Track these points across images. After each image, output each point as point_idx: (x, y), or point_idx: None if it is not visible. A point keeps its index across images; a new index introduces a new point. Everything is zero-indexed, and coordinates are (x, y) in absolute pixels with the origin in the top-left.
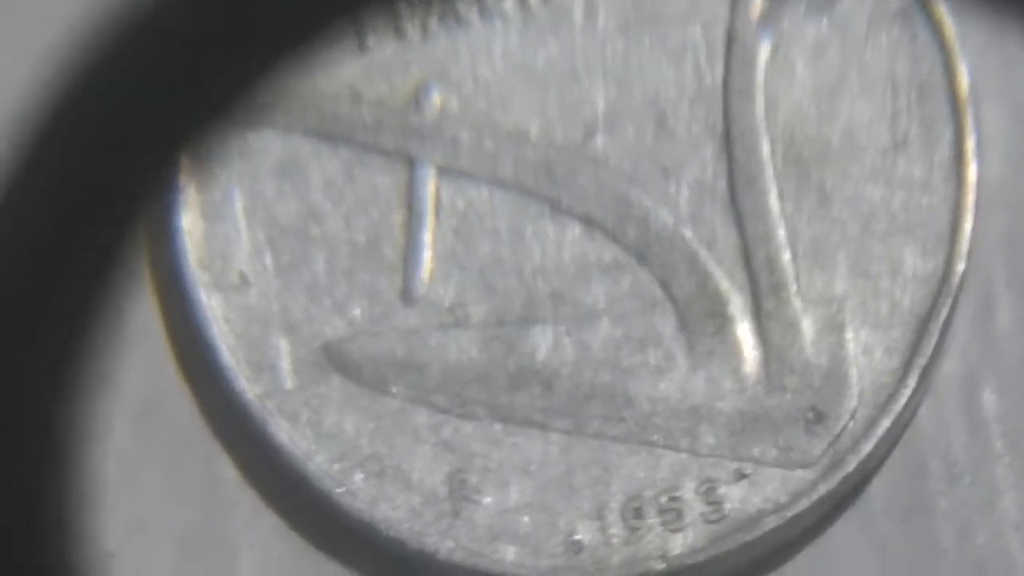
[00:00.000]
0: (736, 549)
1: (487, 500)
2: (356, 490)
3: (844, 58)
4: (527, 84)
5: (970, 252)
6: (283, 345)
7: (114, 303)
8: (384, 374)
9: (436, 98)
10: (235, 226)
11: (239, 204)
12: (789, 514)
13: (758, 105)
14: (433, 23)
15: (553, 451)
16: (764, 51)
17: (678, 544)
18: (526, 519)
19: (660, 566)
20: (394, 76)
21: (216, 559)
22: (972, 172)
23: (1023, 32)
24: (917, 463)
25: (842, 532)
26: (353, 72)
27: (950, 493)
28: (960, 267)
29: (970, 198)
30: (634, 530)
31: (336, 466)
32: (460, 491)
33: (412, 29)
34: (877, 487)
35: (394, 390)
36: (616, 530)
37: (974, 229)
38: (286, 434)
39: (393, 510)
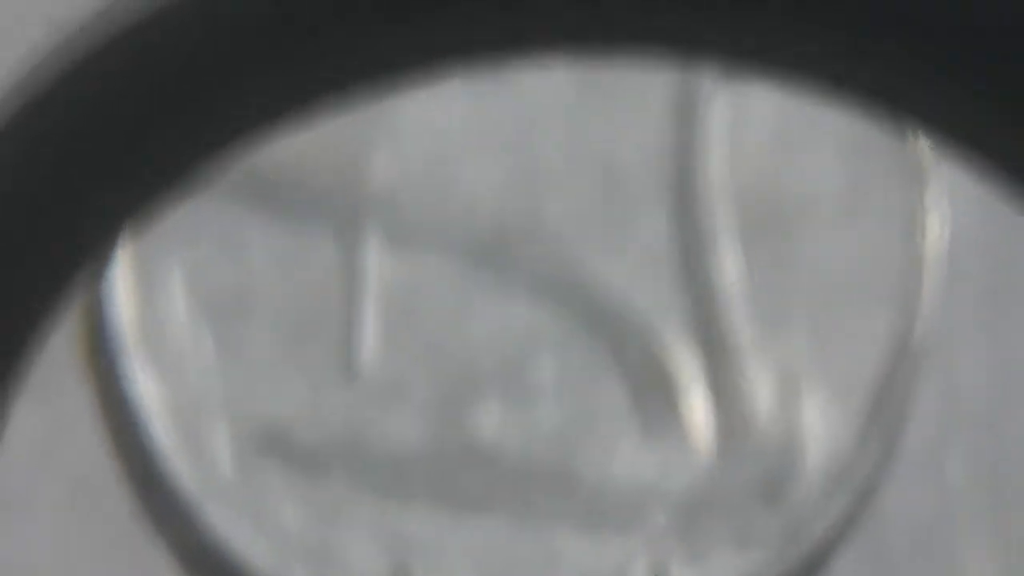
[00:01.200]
0: None
1: None
2: None
3: (801, 123)
4: (472, 144)
5: (932, 316)
6: (221, 428)
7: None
8: (325, 458)
9: (378, 161)
10: (173, 301)
11: (177, 278)
12: None
13: (712, 170)
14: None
15: (499, 536)
16: (719, 106)
17: None
18: None
19: None
20: (333, 139)
21: None
22: (932, 237)
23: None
24: (879, 539)
25: None
26: (296, 141)
27: (916, 568)
28: (921, 332)
29: (930, 262)
30: None
31: (275, 557)
32: None
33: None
34: (837, 566)
35: (336, 475)
36: None
37: (935, 294)
38: (224, 523)
39: None
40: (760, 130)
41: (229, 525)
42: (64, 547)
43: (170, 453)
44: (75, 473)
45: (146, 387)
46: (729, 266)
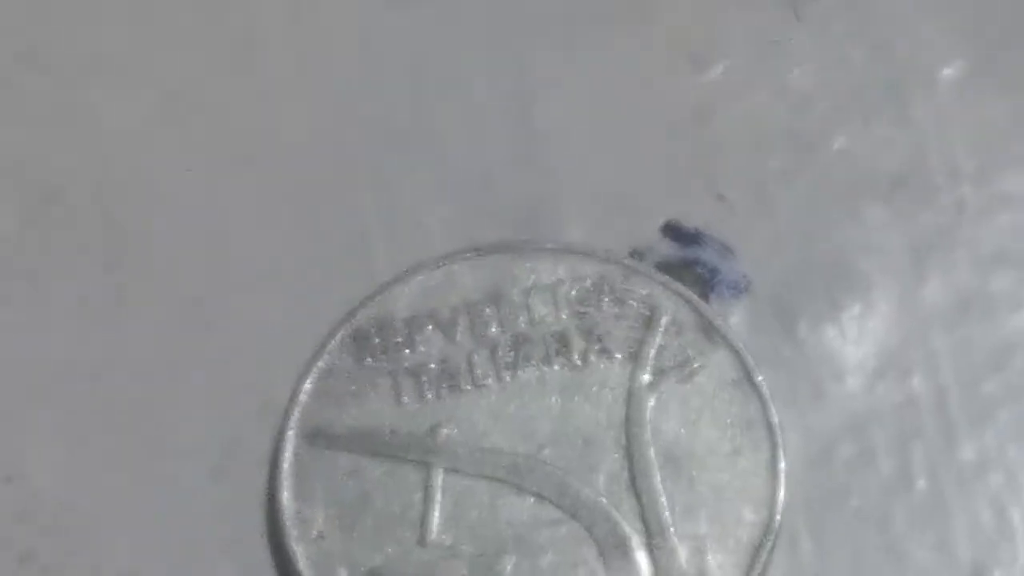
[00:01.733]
0: None
1: None
2: None
3: (701, 404)
4: (501, 422)
5: (782, 510)
6: (343, 572)
7: None
8: None
9: (444, 431)
10: (316, 505)
11: (319, 493)
12: None
13: (647, 431)
14: (443, 390)
15: None
16: (651, 401)
17: None
18: None
19: None
20: (418, 419)
21: None
22: (781, 466)
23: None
24: None
25: None
26: (393, 417)
27: None
28: (777, 519)
29: (780, 480)
30: None
31: None
32: None
33: (430, 394)
34: None
35: None
36: None
37: (783, 497)
38: None
39: None
40: (677, 412)
41: None
42: None
43: None
44: None
45: (298, 551)
46: (658, 482)
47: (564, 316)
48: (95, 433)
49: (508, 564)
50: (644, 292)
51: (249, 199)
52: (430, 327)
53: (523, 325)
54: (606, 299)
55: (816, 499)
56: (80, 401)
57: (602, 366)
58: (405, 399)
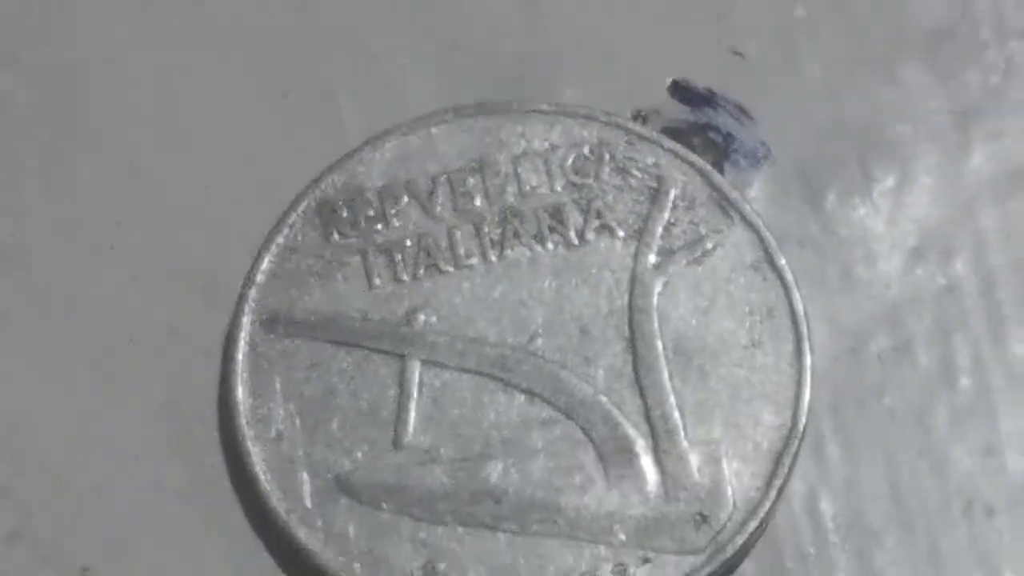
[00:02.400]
0: None
1: None
2: (355, 575)
3: (714, 290)
4: (486, 308)
5: (807, 412)
6: (305, 477)
7: None
8: (377, 496)
9: (421, 317)
10: (275, 400)
11: (278, 386)
12: None
13: (654, 319)
14: (421, 271)
15: (502, 546)
16: (658, 286)
17: None
18: None
19: None
20: (392, 304)
21: None
22: (807, 361)
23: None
24: (775, 550)
25: None
26: (363, 301)
27: (799, 570)
28: (802, 422)
29: (806, 378)
30: None
31: (341, 559)
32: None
33: (406, 275)
34: (747, 567)
35: (384, 506)
36: None
37: (809, 398)
38: (304, 536)
39: None
40: (686, 297)
41: (308, 538)
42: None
43: (270, 492)
44: (208, 504)
45: (256, 452)
46: (666, 378)
47: (559, 187)
48: (21, 320)
49: (494, 470)
50: (650, 161)
51: (201, 50)
52: (406, 199)
53: (512, 197)
54: (606, 168)
55: (845, 399)
56: (8, 285)
57: (602, 245)
58: (377, 281)
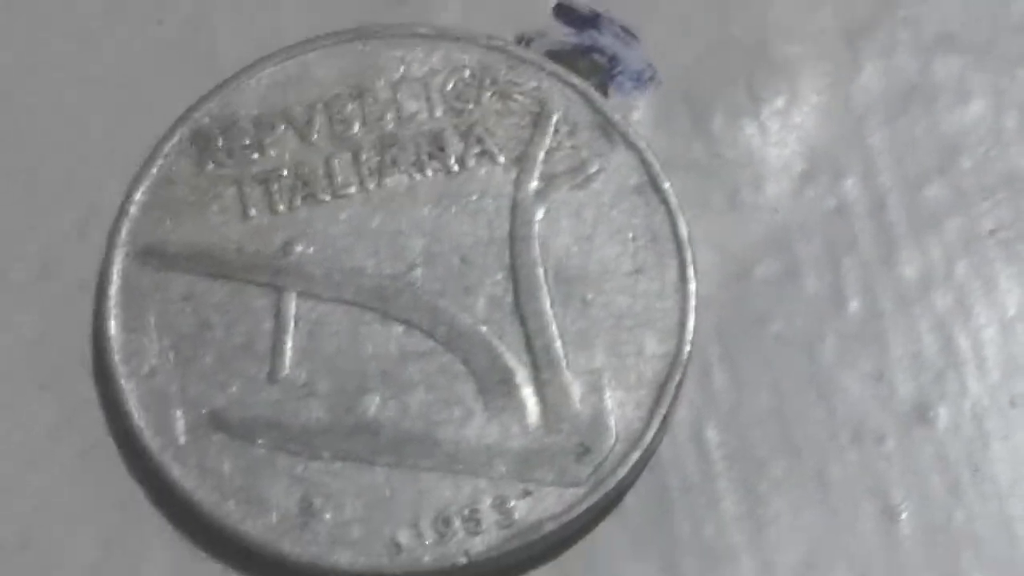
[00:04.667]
0: (524, 547)
1: (327, 516)
2: (229, 512)
3: (596, 216)
4: (364, 238)
5: (692, 340)
6: (178, 413)
7: None
8: (252, 431)
9: (298, 248)
10: (148, 335)
11: (152, 320)
12: (564, 520)
13: (535, 247)
14: (297, 201)
15: (379, 480)
16: (539, 212)
17: (477, 545)
18: (357, 530)
19: (463, 561)
20: (268, 235)
21: (126, 551)
22: (692, 288)
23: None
24: (660, 481)
25: (605, 531)
26: (238, 233)
27: (684, 500)
28: (686, 350)
29: (691, 304)
30: (442, 535)
31: (215, 496)
32: (308, 511)
33: (282, 205)
34: (631, 499)
35: (260, 442)
36: (428, 536)
37: (694, 325)
38: (178, 474)
39: (256, 526)
40: (568, 224)
41: (182, 475)
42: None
43: (143, 429)
44: (83, 440)
45: (129, 389)
46: (548, 307)
47: (438, 113)
48: None
49: (371, 403)
50: (532, 85)
51: None
52: (282, 127)
53: (390, 124)
54: (487, 93)
55: (732, 325)
56: None
57: (483, 172)
58: (253, 211)
